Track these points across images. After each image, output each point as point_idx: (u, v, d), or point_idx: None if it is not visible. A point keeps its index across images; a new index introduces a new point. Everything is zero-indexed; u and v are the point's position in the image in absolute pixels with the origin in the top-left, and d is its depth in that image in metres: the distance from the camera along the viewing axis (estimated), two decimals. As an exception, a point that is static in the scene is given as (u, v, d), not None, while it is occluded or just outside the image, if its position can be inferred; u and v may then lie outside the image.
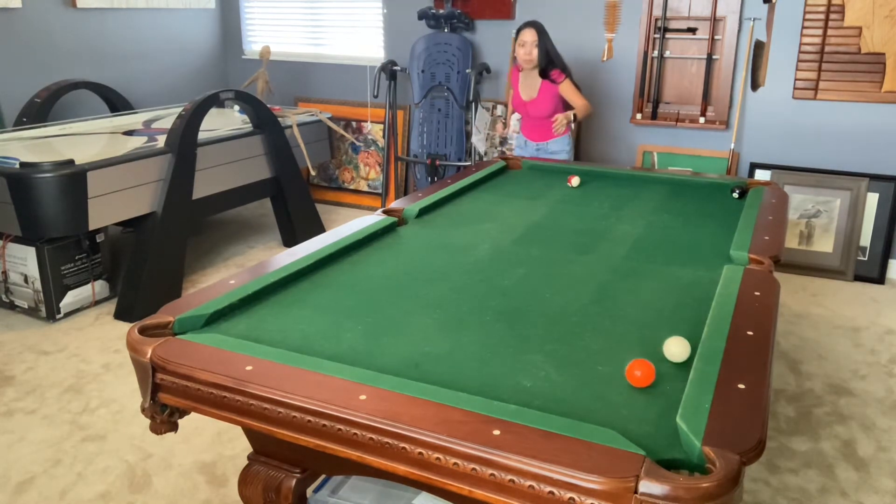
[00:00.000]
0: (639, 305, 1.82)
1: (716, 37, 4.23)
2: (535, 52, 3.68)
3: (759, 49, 4.17)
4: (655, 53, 4.36)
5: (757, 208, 2.66)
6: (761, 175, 4.31)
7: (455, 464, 1.18)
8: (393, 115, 5.03)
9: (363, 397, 1.30)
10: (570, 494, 1.10)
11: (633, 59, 4.49)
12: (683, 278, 2.01)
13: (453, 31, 4.80)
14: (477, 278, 2.00)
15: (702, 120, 4.33)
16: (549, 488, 1.11)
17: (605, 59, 4.53)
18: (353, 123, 5.44)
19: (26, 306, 3.60)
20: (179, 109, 4.16)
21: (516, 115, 4.05)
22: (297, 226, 4.61)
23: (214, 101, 3.95)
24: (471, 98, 4.70)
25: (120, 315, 3.60)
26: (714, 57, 4.26)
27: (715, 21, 4.21)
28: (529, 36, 3.68)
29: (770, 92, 4.23)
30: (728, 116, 4.33)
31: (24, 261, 3.51)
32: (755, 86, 4.24)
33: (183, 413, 1.54)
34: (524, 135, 3.98)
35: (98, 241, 3.70)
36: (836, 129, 4.15)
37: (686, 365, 1.47)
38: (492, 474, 1.15)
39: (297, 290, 1.88)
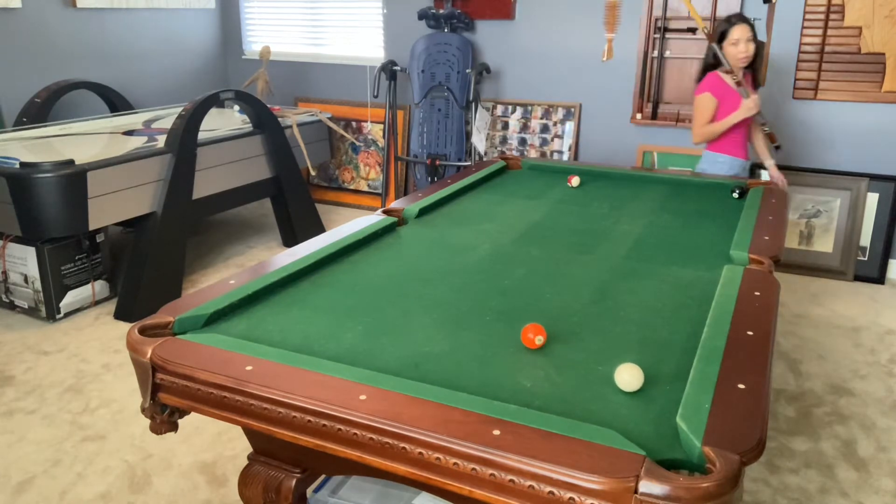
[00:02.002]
0: (639, 305, 1.82)
1: (716, 37, 4.22)
2: (752, 47, 3.27)
3: (759, 49, 4.15)
4: (655, 53, 4.36)
5: (757, 208, 2.65)
6: (761, 175, 4.30)
7: (455, 464, 1.18)
8: (393, 115, 5.03)
9: (363, 397, 1.30)
10: (569, 494, 1.10)
11: (633, 59, 4.49)
12: (683, 278, 2.01)
13: (453, 31, 4.80)
14: (477, 278, 2.00)
15: (702, 120, 4.32)
16: (549, 488, 1.11)
17: (605, 59, 4.53)
18: (353, 123, 5.44)
19: (26, 306, 3.60)
20: (179, 109, 4.16)
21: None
22: (297, 226, 4.61)
23: (214, 101, 3.95)
24: (471, 98, 4.70)
25: (120, 315, 3.60)
26: (714, 57, 4.25)
27: (715, 21, 4.20)
28: (745, 32, 3.25)
29: (770, 92, 4.23)
30: (728, 116, 4.33)
31: (24, 261, 3.51)
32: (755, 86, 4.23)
33: (183, 413, 1.54)
34: (729, 153, 3.40)
35: (98, 241, 3.70)
36: (836, 129, 4.15)
37: (686, 365, 1.47)
38: (492, 474, 1.15)
39: (297, 290, 1.88)
